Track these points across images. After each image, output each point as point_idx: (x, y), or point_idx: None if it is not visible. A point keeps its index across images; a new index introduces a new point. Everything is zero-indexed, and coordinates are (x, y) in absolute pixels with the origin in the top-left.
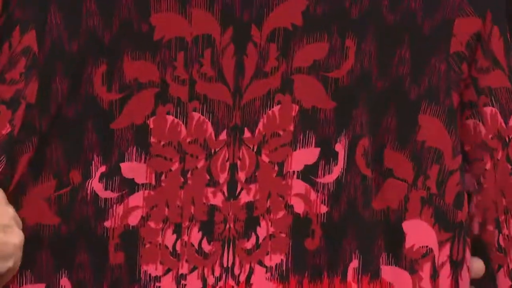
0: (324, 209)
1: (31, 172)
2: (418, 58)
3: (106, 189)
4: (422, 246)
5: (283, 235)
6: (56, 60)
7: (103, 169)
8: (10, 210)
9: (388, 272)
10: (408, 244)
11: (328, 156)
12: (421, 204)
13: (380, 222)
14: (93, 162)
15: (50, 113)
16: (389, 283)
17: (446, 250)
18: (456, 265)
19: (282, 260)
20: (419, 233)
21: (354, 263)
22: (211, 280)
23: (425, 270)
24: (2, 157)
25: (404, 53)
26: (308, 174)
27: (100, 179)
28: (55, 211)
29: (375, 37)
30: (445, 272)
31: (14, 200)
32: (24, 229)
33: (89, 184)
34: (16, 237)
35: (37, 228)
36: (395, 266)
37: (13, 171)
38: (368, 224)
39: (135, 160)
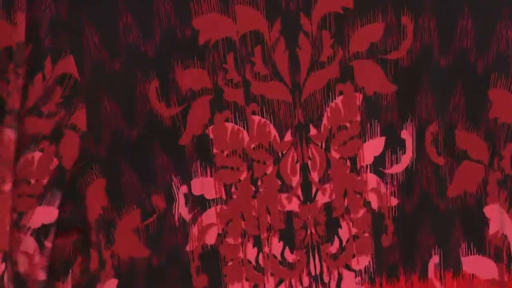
0: (394, 201)
1: (113, 204)
2: (481, 26)
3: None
4: (503, 233)
5: (366, 234)
6: (100, 82)
7: (184, 189)
8: None
9: (470, 263)
10: (492, 230)
11: (394, 144)
12: (498, 187)
13: (457, 210)
14: (173, 183)
15: (104, 138)
16: (472, 274)
17: None
18: None
19: (369, 261)
20: (500, 218)
21: (435, 259)
22: None
23: (504, 258)
24: (57, 194)
25: (466, 24)
26: (377, 165)
27: (186, 203)
28: (145, 242)
29: (433, 11)
30: None
31: (107, 236)
32: (120, 264)
33: (176, 209)
34: None
35: (131, 262)
36: (478, 254)
37: (83, 205)
38: (444, 214)
39: (201, 175)
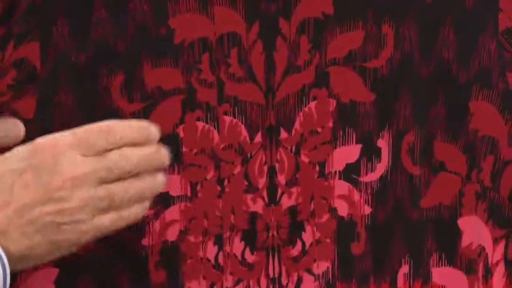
0: (368, 210)
1: None
2: (464, 38)
3: None
4: (480, 245)
5: (328, 240)
6: (60, 73)
7: None
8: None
9: (440, 274)
10: (464, 242)
11: (370, 153)
12: (476, 199)
13: (430, 221)
14: None
15: (53, 128)
16: (442, 286)
17: (501, 248)
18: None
19: (328, 267)
20: (476, 230)
21: (404, 268)
22: None
23: (480, 270)
24: None
25: (447, 34)
26: (350, 173)
27: None
28: None
29: (414, 20)
30: (499, 272)
31: None
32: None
33: None
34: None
35: (75, 253)
36: (449, 266)
37: None
38: (417, 224)
39: (168, 172)
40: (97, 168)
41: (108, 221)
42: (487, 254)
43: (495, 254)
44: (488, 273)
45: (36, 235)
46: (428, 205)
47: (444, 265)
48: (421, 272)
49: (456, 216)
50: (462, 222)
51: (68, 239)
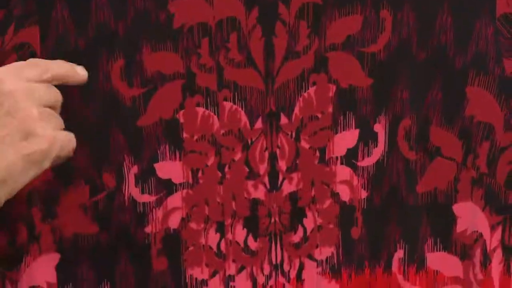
0: (364, 194)
1: (60, 179)
2: (461, 23)
3: (143, 193)
4: (475, 231)
5: (331, 225)
6: (60, 57)
7: (135, 169)
8: (34, 111)
9: (435, 259)
10: (460, 228)
11: (367, 137)
12: (471, 185)
13: (425, 206)
14: (125, 163)
15: None
16: (436, 271)
17: (498, 234)
18: (509, 250)
19: (332, 253)
20: (471, 216)
21: (399, 253)
22: (261, 279)
23: (476, 256)
24: None
25: (445, 20)
26: (351, 158)
27: (136, 184)
28: (92, 219)
29: (412, 5)
30: (497, 258)
31: (47, 209)
32: (62, 240)
33: (126, 189)
34: (40, 142)
35: (75, 238)
36: (444, 251)
37: None
38: (412, 209)
39: (170, 159)
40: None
41: (64, 136)
42: (484, 240)
43: (493, 240)
44: (486, 259)
45: (9, 151)
46: (423, 190)
47: (439, 250)
48: (416, 257)
49: (451, 201)
50: (457, 208)
51: (38, 149)
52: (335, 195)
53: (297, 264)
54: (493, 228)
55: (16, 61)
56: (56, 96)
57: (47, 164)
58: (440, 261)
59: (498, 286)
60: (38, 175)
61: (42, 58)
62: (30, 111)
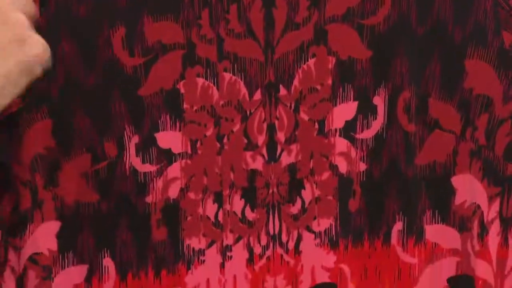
0: (363, 166)
1: (62, 146)
2: None
3: (144, 162)
4: (473, 203)
5: (329, 197)
6: (62, 23)
7: (136, 139)
8: (23, 18)
9: (433, 231)
10: (458, 200)
11: (366, 110)
12: (470, 157)
13: (424, 178)
14: (125, 132)
15: (58, 79)
16: (435, 243)
17: (496, 206)
18: (507, 222)
19: (331, 224)
20: (470, 188)
21: (398, 225)
22: (257, 250)
23: (474, 228)
24: None
25: None
26: (349, 130)
27: (137, 153)
28: (94, 187)
29: None
30: (495, 230)
31: (50, 176)
32: (63, 207)
33: (127, 159)
34: (34, 47)
35: (76, 206)
36: (442, 224)
37: (18, 142)
38: (411, 182)
39: (170, 129)
40: None
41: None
42: (482, 212)
43: (490, 212)
44: (484, 231)
45: (8, 59)
46: (422, 162)
47: (438, 223)
48: (414, 229)
49: (450, 174)
50: (456, 180)
51: (34, 54)
52: (333, 167)
53: (295, 236)
54: (491, 199)
55: None
56: (34, 9)
57: (38, 70)
58: (439, 233)
59: (495, 257)
60: (29, 85)
61: (43, 26)
62: (21, 18)
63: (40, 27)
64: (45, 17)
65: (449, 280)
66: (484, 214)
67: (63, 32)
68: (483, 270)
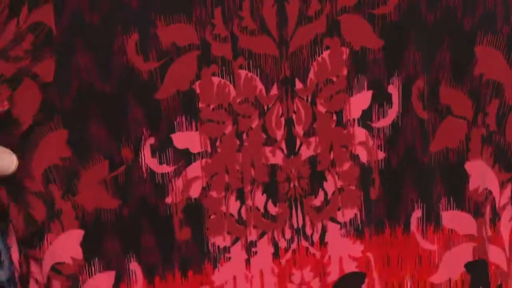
0: (381, 155)
1: (77, 155)
2: None
3: (161, 163)
4: (485, 188)
5: (352, 187)
6: (76, 34)
7: (151, 140)
8: None
9: (449, 218)
10: (472, 185)
11: (381, 99)
12: (481, 143)
13: (438, 165)
14: (143, 137)
15: (72, 90)
16: (451, 230)
17: (507, 191)
18: None
19: (355, 214)
20: (482, 174)
21: (417, 213)
22: (282, 244)
23: (487, 213)
24: None
25: None
26: (366, 119)
27: (153, 154)
28: (113, 193)
29: None
30: (507, 215)
31: (68, 186)
32: (85, 216)
33: (143, 161)
34: None
35: (98, 213)
36: (457, 210)
37: (33, 152)
38: (427, 169)
39: (186, 129)
40: None
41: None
42: (494, 197)
43: (502, 197)
44: (496, 216)
45: None
46: (436, 149)
47: (453, 209)
48: (432, 216)
49: (463, 160)
50: (469, 166)
51: None
52: (354, 157)
53: (320, 228)
54: (502, 185)
55: (33, 41)
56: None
57: None
58: (455, 219)
59: (507, 243)
60: None
61: (58, 35)
62: None
63: (54, 42)
64: (59, 30)
65: (467, 265)
66: (496, 200)
67: (78, 43)
68: (495, 255)
